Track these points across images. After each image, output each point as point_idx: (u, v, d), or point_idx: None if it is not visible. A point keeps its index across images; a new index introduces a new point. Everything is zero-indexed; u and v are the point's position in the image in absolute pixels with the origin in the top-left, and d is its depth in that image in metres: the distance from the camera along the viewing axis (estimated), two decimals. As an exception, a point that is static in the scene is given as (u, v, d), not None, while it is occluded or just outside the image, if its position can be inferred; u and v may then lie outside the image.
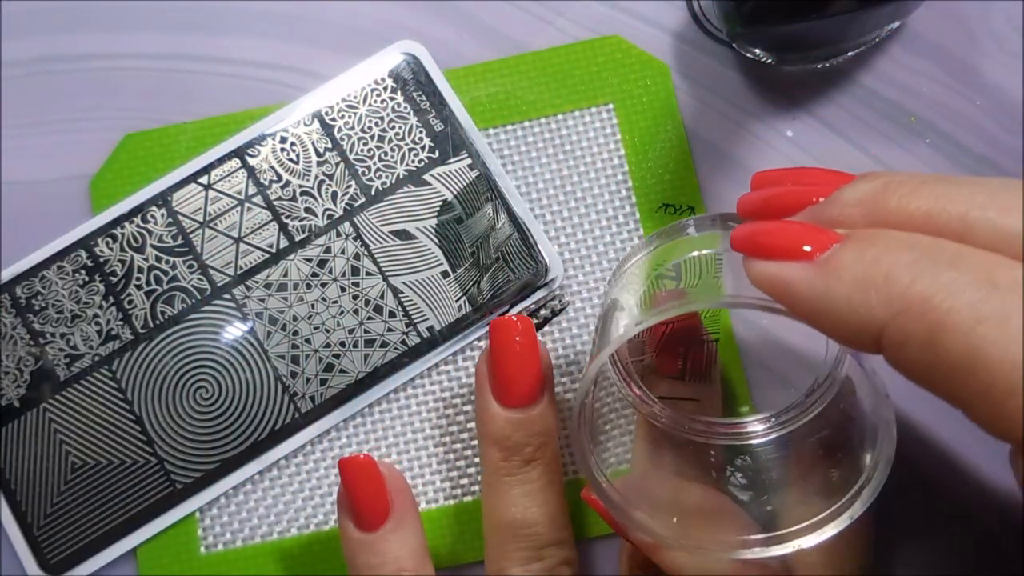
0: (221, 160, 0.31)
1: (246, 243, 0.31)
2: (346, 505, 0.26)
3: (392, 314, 0.30)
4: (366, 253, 0.30)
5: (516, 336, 0.26)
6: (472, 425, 0.30)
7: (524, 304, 0.30)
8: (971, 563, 0.29)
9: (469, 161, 0.31)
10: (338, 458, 0.30)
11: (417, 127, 0.31)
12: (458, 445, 0.30)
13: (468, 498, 0.30)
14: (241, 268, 0.30)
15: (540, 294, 0.30)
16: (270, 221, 0.31)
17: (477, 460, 0.30)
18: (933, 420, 0.30)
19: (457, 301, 0.30)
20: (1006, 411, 0.16)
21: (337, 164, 0.31)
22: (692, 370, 0.26)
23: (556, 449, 0.27)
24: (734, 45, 0.32)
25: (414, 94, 0.31)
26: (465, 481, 0.30)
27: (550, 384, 0.27)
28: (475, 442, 0.30)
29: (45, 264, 0.31)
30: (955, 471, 0.29)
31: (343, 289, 0.30)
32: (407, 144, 0.31)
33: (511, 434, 0.26)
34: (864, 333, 0.18)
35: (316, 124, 0.31)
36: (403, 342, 0.30)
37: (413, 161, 0.31)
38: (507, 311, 0.30)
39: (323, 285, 0.30)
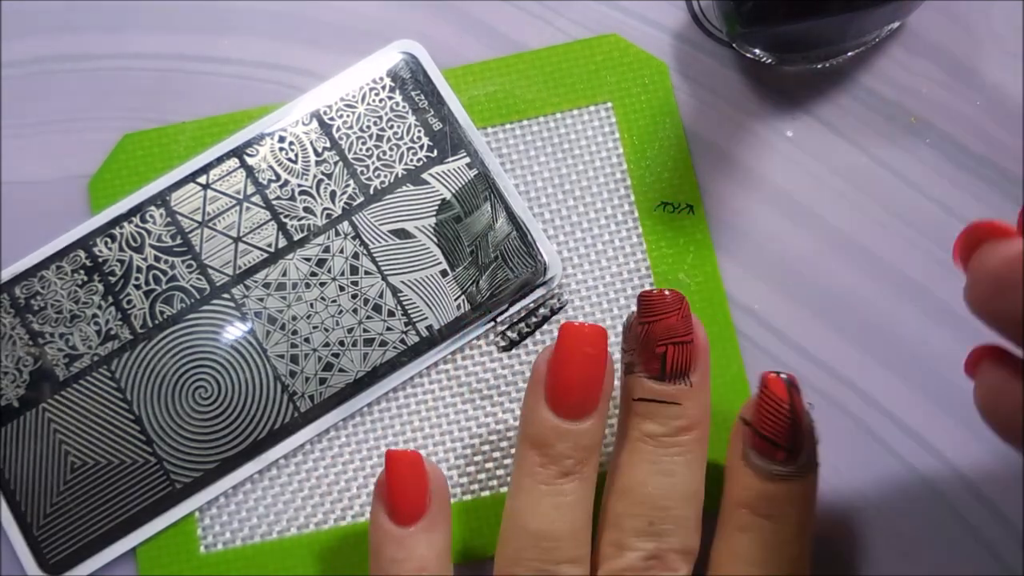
0: (220, 160, 0.31)
1: (245, 243, 0.31)
2: (384, 495, 0.26)
3: (391, 313, 0.30)
4: (365, 252, 0.30)
5: (586, 346, 0.25)
6: (471, 424, 0.30)
7: (523, 303, 0.30)
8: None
9: (468, 160, 0.31)
10: (338, 457, 0.30)
11: (416, 126, 0.31)
12: (457, 444, 0.30)
13: (467, 497, 0.30)
14: (240, 268, 0.30)
15: (539, 293, 0.30)
16: (269, 220, 0.31)
17: (476, 459, 0.30)
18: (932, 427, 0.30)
19: (456, 300, 0.30)
20: None
21: (336, 163, 0.31)
22: (672, 372, 0.25)
23: (596, 465, 0.26)
24: (734, 45, 0.32)
25: (412, 93, 0.31)
26: (464, 480, 0.30)
27: (606, 400, 0.26)
28: (474, 441, 0.30)
29: (44, 264, 0.31)
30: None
31: (342, 288, 0.30)
32: (406, 143, 0.31)
33: (555, 443, 0.25)
34: None
35: (314, 123, 0.31)
36: (402, 341, 0.30)
37: (412, 160, 0.31)
38: (506, 309, 0.30)
39: (322, 284, 0.30)
